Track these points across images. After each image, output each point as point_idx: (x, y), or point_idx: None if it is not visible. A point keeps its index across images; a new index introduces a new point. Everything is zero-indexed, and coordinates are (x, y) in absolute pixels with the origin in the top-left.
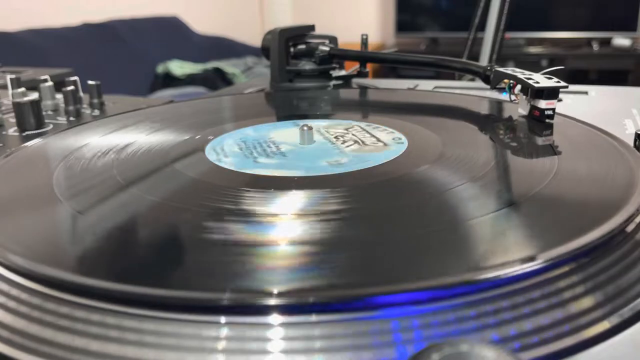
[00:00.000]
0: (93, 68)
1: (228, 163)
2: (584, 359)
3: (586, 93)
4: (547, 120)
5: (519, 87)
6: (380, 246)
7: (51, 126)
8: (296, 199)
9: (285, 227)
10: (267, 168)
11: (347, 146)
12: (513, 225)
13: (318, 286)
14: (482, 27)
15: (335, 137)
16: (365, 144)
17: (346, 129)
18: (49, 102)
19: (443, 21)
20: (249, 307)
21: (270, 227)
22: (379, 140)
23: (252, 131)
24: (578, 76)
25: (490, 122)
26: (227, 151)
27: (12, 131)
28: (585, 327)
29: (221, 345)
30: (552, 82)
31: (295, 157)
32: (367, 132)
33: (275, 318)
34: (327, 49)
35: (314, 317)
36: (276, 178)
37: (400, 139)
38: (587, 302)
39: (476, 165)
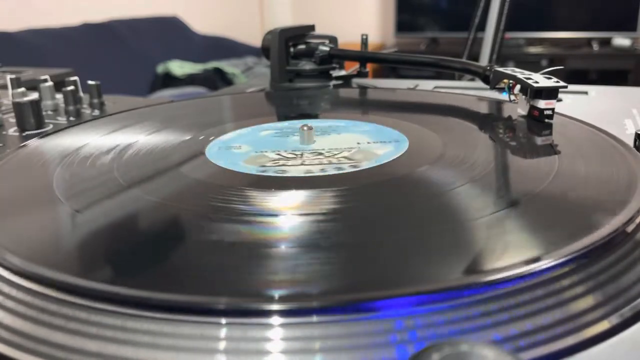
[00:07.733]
0: (93, 68)
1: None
2: (584, 359)
3: (586, 93)
4: (546, 120)
5: (518, 87)
6: (380, 247)
7: (51, 126)
8: (296, 199)
9: (285, 228)
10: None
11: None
12: (513, 226)
13: (318, 289)
14: (482, 27)
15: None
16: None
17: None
18: (49, 102)
19: (443, 21)
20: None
21: (270, 228)
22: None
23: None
24: (578, 76)
25: (490, 122)
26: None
27: (12, 131)
28: (585, 327)
29: (221, 345)
30: (551, 82)
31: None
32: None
33: (275, 319)
34: (327, 49)
35: (314, 318)
36: (276, 178)
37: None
38: (587, 302)
39: (476, 165)
